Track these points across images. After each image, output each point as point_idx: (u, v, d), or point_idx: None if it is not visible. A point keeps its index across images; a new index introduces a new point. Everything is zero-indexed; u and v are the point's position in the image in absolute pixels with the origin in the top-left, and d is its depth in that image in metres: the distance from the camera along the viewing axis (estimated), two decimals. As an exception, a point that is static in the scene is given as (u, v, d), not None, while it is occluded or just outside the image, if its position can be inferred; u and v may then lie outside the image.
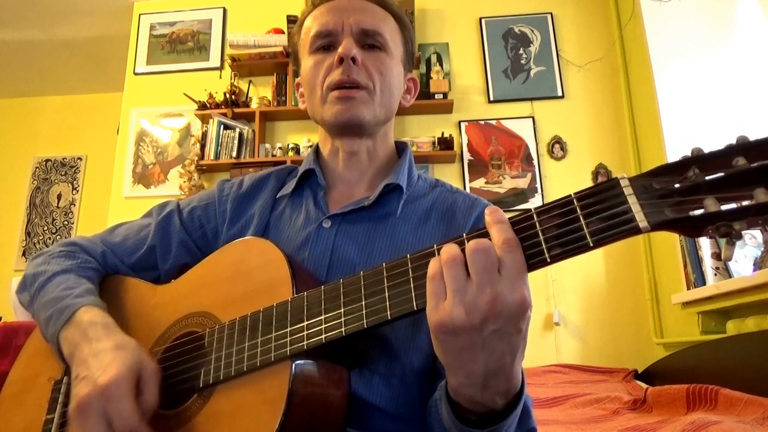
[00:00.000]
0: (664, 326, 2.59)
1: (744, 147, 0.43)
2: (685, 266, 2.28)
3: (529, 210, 0.49)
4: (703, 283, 2.13)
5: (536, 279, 2.74)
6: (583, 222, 0.46)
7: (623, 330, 2.68)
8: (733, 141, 0.44)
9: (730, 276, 2.04)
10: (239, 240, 0.71)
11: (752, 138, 0.44)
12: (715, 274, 2.10)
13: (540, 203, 2.84)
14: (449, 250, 0.48)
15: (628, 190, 0.45)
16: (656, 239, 2.68)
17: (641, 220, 0.43)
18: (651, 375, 2.18)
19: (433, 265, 0.48)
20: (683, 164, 0.45)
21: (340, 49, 0.75)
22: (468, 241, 0.48)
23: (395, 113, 0.84)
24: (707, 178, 0.43)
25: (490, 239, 0.48)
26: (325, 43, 0.78)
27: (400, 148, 0.88)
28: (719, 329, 2.11)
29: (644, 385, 1.97)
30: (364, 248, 0.74)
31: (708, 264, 2.13)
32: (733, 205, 0.42)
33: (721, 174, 0.43)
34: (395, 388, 0.67)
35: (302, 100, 0.86)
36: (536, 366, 2.39)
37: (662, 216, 0.43)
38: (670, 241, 2.47)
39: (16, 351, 0.82)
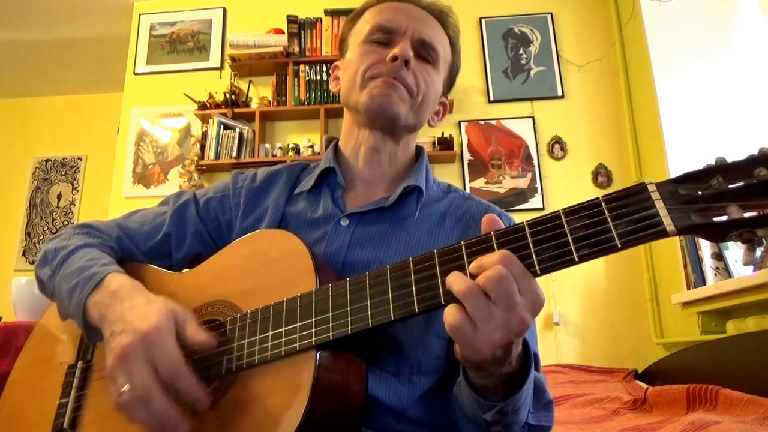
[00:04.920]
0: (664, 326, 2.59)
1: (766, 158, 0.45)
2: (685, 266, 2.28)
3: (557, 211, 0.50)
4: (703, 283, 2.13)
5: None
6: (611, 224, 0.48)
7: (623, 330, 2.68)
8: (755, 152, 0.46)
9: (730, 276, 2.04)
10: (260, 231, 0.72)
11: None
12: (715, 274, 2.10)
13: (540, 203, 2.88)
14: (464, 283, 0.49)
15: (655, 195, 0.47)
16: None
17: (668, 224, 0.45)
18: (651, 375, 2.18)
19: (452, 312, 0.49)
20: (707, 172, 0.47)
21: (396, 49, 0.77)
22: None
23: (422, 127, 0.85)
24: (730, 186, 0.45)
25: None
26: (383, 38, 0.80)
27: (417, 151, 0.89)
28: (719, 329, 2.11)
29: (644, 385, 1.96)
30: (379, 249, 0.75)
31: (708, 264, 2.13)
32: (755, 213, 0.44)
33: (744, 183, 0.45)
34: (404, 386, 0.67)
35: (336, 82, 0.88)
36: (536, 366, 2.39)
37: (688, 221, 0.45)
38: (670, 241, 2.46)
39: (17, 351, 0.83)
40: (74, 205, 4.23)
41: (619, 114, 2.96)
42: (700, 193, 0.46)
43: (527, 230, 0.51)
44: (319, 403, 0.54)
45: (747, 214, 0.44)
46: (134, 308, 0.61)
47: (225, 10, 3.41)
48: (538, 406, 0.66)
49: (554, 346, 2.68)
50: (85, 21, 3.63)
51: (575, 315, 2.73)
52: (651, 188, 0.47)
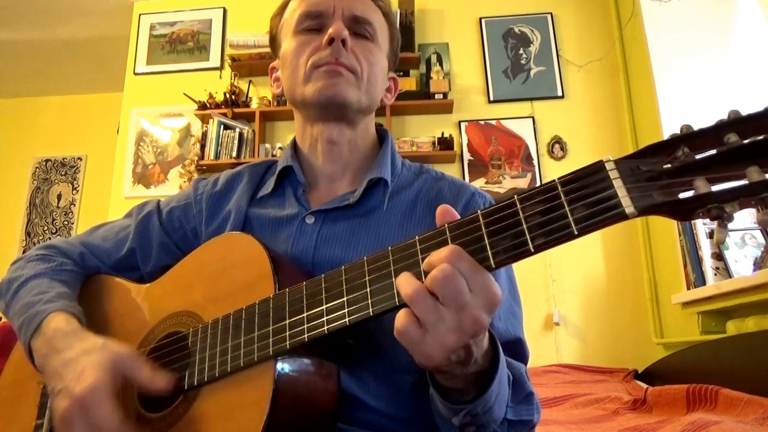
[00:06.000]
0: (664, 326, 2.59)
1: (736, 122, 0.40)
2: (685, 266, 2.28)
3: (512, 196, 0.46)
4: (703, 283, 2.13)
5: (536, 279, 2.74)
6: (567, 209, 0.44)
7: (623, 330, 2.68)
8: (725, 116, 0.41)
9: (730, 276, 2.04)
10: (221, 236, 0.70)
11: (745, 112, 0.41)
12: (715, 274, 2.10)
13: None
14: (410, 285, 0.46)
15: (613, 174, 0.42)
16: (656, 238, 2.68)
17: (627, 205, 0.41)
18: (651, 375, 2.18)
19: (401, 315, 0.47)
20: (672, 143, 0.42)
21: (330, 30, 0.72)
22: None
23: (377, 107, 0.82)
24: (697, 157, 0.40)
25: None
26: (314, 25, 0.75)
27: (381, 135, 0.85)
28: (719, 329, 2.11)
29: (644, 385, 1.97)
30: (348, 245, 0.72)
31: (708, 264, 2.13)
32: (724, 186, 0.40)
33: (713, 152, 0.40)
34: (383, 383, 0.66)
35: (277, 84, 0.84)
36: (536, 366, 2.39)
37: (650, 200, 0.41)
38: (670, 241, 2.47)
39: (16, 352, 0.82)
40: (74, 205, 4.23)
41: (619, 114, 2.96)
42: (664, 167, 0.41)
43: (481, 220, 0.47)
44: (283, 413, 0.53)
45: (715, 188, 0.39)
46: (70, 363, 0.59)
47: (225, 10, 3.41)
48: (517, 399, 0.63)
49: (554, 346, 2.68)
50: (85, 21, 3.63)
51: (575, 315, 2.73)
52: (609, 166, 0.43)
